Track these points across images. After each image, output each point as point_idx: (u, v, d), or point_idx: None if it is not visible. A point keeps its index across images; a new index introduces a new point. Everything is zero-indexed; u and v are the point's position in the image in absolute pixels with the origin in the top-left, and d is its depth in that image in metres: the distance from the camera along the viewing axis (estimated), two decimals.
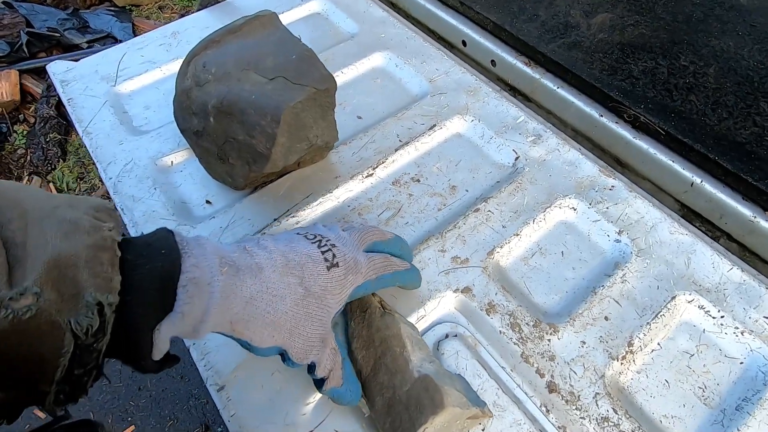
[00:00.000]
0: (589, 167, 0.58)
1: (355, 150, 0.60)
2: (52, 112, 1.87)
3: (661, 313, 0.46)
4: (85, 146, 0.61)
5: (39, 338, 0.24)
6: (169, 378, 1.38)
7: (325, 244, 0.38)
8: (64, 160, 1.82)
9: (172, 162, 0.59)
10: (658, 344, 0.46)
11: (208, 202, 0.56)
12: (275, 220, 0.53)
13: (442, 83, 0.67)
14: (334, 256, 0.37)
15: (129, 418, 1.31)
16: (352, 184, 0.57)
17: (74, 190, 1.75)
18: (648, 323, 0.46)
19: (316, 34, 0.76)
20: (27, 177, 1.78)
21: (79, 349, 0.26)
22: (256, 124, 0.44)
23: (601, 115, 0.62)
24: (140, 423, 1.30)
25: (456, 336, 0.45)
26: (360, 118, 0.65)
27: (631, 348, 0.45)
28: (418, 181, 0.58)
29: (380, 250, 0.43)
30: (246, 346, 0.34)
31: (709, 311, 0.47)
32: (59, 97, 0.72)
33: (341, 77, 0.69)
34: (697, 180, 0.55)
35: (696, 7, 0.70)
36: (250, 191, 0.56)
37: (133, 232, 0.52)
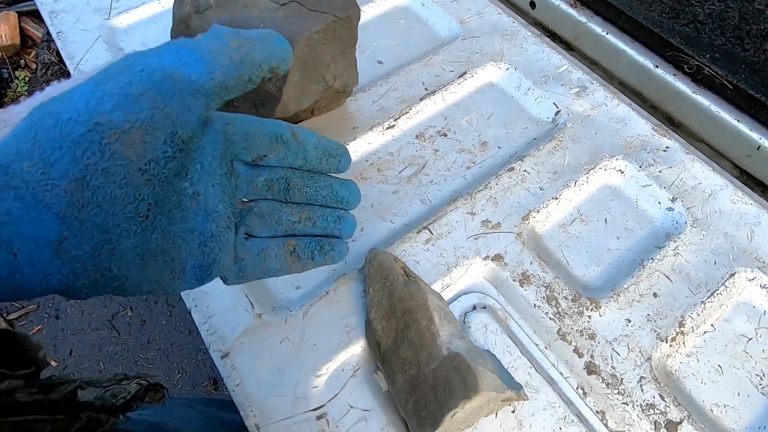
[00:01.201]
0: (641, 125, 0.51)
1: (375, 98, 0.53)
2: (53, 58, 1.79)
3: (718, 291, 0.41)
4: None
5: None
6: (178, 332, 1.39)
7: None
8: None
9: None
10: (712, 326, 0.41)
11: None
12: None
13: (474, 25, 0.59)
14: None
15: (139, 370, 1.32)
16: (371, 136, 0.51)
17: None
18: (702, 302, 0.41)
19: None
20: None
21: None
22: None
23: (657, 66, 0.54)
24: (150, 372, 1.32)
25: (485, 308, 0.41)
26: (381, 63, 0.58)
27: (682, 329, 0.40)
28: (445, 135, 0.52)
29: None
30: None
31: None
32: None
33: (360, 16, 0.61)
34: (766, 143, 0.48)
35: None
36: None
37: None
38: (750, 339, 0.40)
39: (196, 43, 0.23)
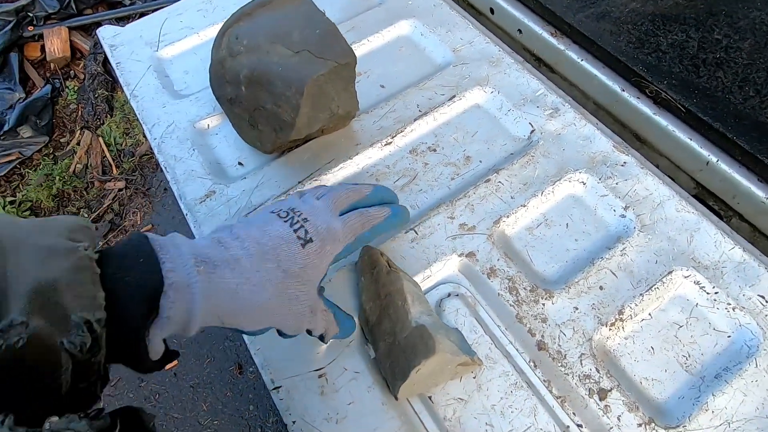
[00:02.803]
0: (603, 143, 0.59)
1: (376, 119, 0.63)
2: (99, 69, 1.97)
3: (656, 286, 0.49)
4: (133, 108, 0.67)
5: (36, 362, 0.25)
6: None
7: (297, 221, 0.38)
8: (111, 116, 1.93)
9: (208, 125, 0.65)
10: (649, 314, 0.49)
11: (240, 163, 0.61)
12: (299, 182, 0.58)
13: (465, 53, 0.68)
14: (306, 232, 0.38)
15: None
16: (371, 152, 0.60)
17: (121, 145, 1.87)
18: (641, 294, 0.49)
19: (345, 1, 0.77)
20: (79, 131, 1.91)
21: (79, 365, 0.27)
22: (282, 95, 0.48)
23: (623, 90, 0.62)
24: (181, 359, 1.45)
25: (457, 295, 0.50)
26: (383, 87, 0.68)
27: (621, 316, 0.48)
28: (435, 150, 0.61)
29: (359, 206, 0.43)
30: (240, 331, 0.36)
31: (704, 287, 0.49)
32: (105, 55, 0.77)
33: (366, 45, 0.71)
34: (713, 159, 0.56)
35: None
36: (278, 155, 0.61)
37: (174, 189, 0.59)
38: (681, 326, 0.48)
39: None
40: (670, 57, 0.60)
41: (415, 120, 0.62)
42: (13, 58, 1.98)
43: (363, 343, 0.47)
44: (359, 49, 0.70)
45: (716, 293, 0.48)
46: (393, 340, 0.41)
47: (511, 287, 0.50)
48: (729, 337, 0.47)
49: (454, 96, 0.64)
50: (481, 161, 0.60)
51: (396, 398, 0.42)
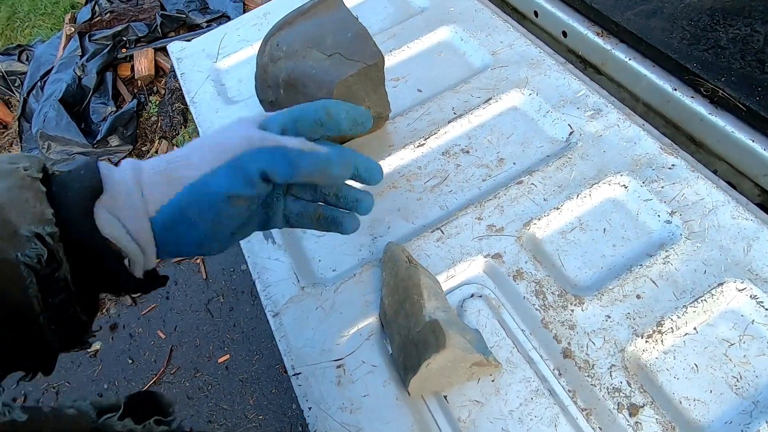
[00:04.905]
0: (649, 144, 0.55)
1: (410, 121, 0.64)
2: (177, 85, 2.18)
3: (703, 298, 0.45)
4: (192, 113, 0.74)
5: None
6: (258, 319, 1.59)
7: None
8: (185, 127, 2.11)
9: None
10: (694, 329, 0.44)
11: None
12: None
13: (504, 56, 0.68)
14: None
15: (225, 348, 1.55)
16: (403, 153, 0.61)
17: None
18: (685, 306, 0.45)
19: (390, 10, 0.80)
20: (157, 140, 2.12)
21: (42, 280, 0.27)
22: (314, 96, 0.51)
23: (675, 89, 0.58)
24: (233, 353, 1.54)
25: (481, 296, 0.49)
26: (420, 91, 0.69)
27: (660, 328, 0.44)
28: (468, 152, 0.61)
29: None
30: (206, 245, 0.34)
31: (762, 302, 0.44)
32: None
33: (406, 51, 0.72)
34: None
35: None
36: None
37: None
38: (732, 344, 0.43)
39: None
40: (730, 53, 0.56)
41: (449, 122, 0.63)
42: (108, 76, 2.24)
43: (382, 338, 0.48)
44: (398, 56, 0.72)
45: None
46: (407, 334, 0.42)
47: (537, 291, 0.48)
48: None
49: (490, 98, 0.63)
50: (515, 163, 0.58)
51: (408, 393, 0.42)
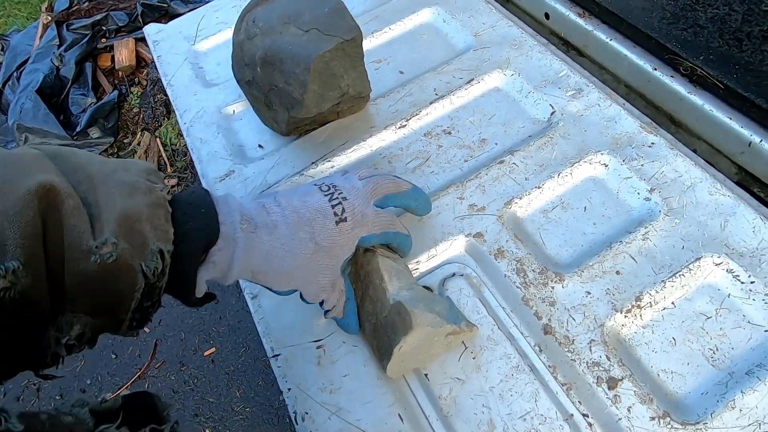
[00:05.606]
0: (629, 123, 0.55)
1: (392, 103, 0.63)
2: (159, 75, 2.13)
3: (680, 273, 0.45)
4: (168, 96, 0.72)
5: (119, 278, 0.30)
6: (244, 312, 1.58)
7: (336, 197, 0.41)
8: (168, 118, 2.07)
9: (233, 111, 0.68)
10: (672, 303, 0.44)
11: (260, 146, 0.64)
12: (313, 163, 0.59)
13: (487, 37, 0.67)
14: (343, 210, 0.40)
15: (211, 341, 1.53)
16: (385, 134, 0.61)
17: (175, 145, 2.00)
18: (663, 281, 0.45)
19: None
20: (140, 132, 2.07)
21: (147, 286, 0.31)
22: (291, 72, 0.50)
23: (656, 69, 0.58)
24: (220, 346, 1.52)
25: (462, 275, 0.49)
26: (402, 73, 0.68)
27: (639, 303, 0.44)
28: (449, 133, 0.60)
29: (394, 202, 0.45)
30: (269, 288, 0.40)
31: (738, 276, 0.44)
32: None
33: (388, 33, 0.71)
34: (756, 139, 0.50)
35: None
36: (296, 137, 0.62)
37: (198, 169, 0.62)
38: (709, 318, 0.43)
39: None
40: (709, 32, 0.56)
41: (431, 103, 0.62)
42: (88, 67, 2.19)
43: None
44: (380, 37, 0.71)
45: (752, 283, 0.43)
46: (376, 320, 0.41)
47: (518, 269, 0.48)
48: (766, 331, 0.42)
49: (472, 79, 0.63)
50: (496, 143, 0.58)
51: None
